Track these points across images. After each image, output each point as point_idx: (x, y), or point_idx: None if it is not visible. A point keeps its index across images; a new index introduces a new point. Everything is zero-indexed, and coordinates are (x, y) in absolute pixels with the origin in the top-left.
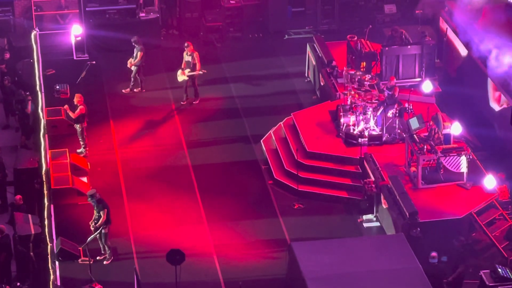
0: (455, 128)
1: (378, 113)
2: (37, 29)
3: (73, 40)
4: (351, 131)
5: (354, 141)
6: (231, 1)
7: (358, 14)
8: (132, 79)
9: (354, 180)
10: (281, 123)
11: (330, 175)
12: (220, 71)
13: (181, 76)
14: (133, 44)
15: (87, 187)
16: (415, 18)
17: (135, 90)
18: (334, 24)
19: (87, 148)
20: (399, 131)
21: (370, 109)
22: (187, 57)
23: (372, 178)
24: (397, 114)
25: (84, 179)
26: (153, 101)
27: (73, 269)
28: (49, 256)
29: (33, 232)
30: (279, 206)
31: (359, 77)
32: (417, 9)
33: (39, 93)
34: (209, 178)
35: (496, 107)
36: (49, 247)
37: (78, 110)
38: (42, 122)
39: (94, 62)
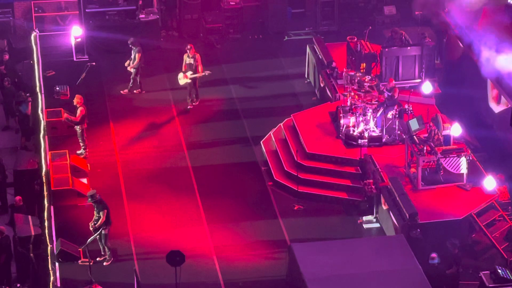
0: (455, 129)
1: (378, 114)
2: (37, 30)
3: (73, 42)
4: (351, 132)
5: (354, 142)
6: (231, 3)
7: (357, 16)
8: (132, 81)
9: (354, 181)
10: (281, 124)
11: (330, 176)
12: (220, 72)
13: (183, 80)
14: (130, 46)
15: (87, 189)
16: (415, 19)
17: (134, 91)
18: (334, 26)
19: (87, 150)
20: (399, 132)
21: (370, 110)
22: (188, 60)
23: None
24: (397, 115)
25: (84, 180)
26: (153, 102)
27: (73, 270)
28: (49, 257)
29: (33, 233)
30: (279, 207)
31: (359, 78)
32: (416, 10)
33: (39, 94)
34: (209, 179)
35: (494, 106)
36: (49, 248)
37: (78, 112)
38: (42, 124)
39: (94, 63)
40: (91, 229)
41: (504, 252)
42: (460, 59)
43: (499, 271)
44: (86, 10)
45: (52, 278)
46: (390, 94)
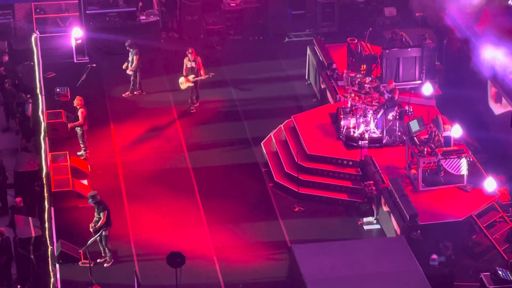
0: (456, 131)
1: (379, 116)
2: (37, 32)
3: (73, 43)
4: (352, 133)
5: (355, 144)
6: (231, 4)
7: (358, 17)
8: (132, 83)
9: (355, 183)
10: (282, 125)
11: (330, 178)
12: (221, 74)
13: (186, 84)
14: (127, 48)
15: (87, 190)
16: (415, 20)
17: (135, 93)
18: (334, 27)
19: (88, 151)
20: (399, 133)
21: (371, 111)
22: (189, 63)
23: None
24: (397, 117)
25: (85, 181)
26: (154, 103)
27: (73, 272)
28: (49, 259)
29: (33, 235)
30: (279, 208)
31: (359, 79)
32: (416, 11)
33: (39, 96)
34: (210, 180)
35: (494, 106)
36: (49, 249)
37: (80, 114)
38: (43, 125)
39: (94, 65)
40: (91, 230)
41: (505, 253)
42: (461, 60)
43: (500, 272)
44: (87, 12)
45: (52, 279)
46: (390, 95)
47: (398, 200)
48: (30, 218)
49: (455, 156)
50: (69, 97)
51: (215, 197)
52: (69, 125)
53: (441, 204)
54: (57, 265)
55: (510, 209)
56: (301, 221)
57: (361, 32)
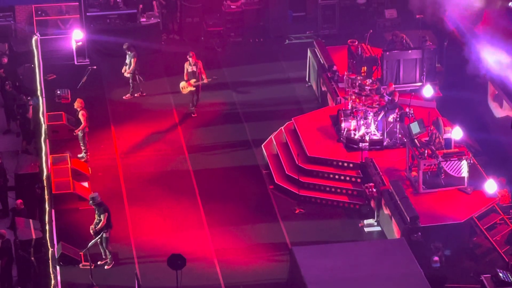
0: (456, 133)
1: (379, 118)
2: (38, 34)
3: (74, 45)
4: (352, 135)
5: (355, 146)
6: (232, 6)
7: (358, 19)
8: (131, 85)
9: (355, 185)
10: (282, 128)
11: (331, 180)
12: (221, 76)
13: (188, 88)
14: (125, 51)
15: (88, 192)
16: (416, 22)
17: (135, 95)
18: (334, 29)
19: (88, 153)
20: (400, 135)
21: (371, 113)
22: (190, 68)
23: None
24: (398, 119)
25: (85, 184)
26: (154, 106)
27: (74, 274)
28: (50, 261)
29: (34, 237)
30: (280, 210)
31: (360, 81)
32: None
33: (40, 98)
34: (210, 183)
35: (493, 106)
36: (50, 252)
37: (81, 116)
38: (43, 127)
39: (95, 67)
40: (92, 232)
41: (505, 255)
42: (461, 62)
43: (500, 274)
44: (87, 14)
45: (53, 281)
46: (390, 98)
47: (398, 202)
48: (30, 220)
49: (456, 158)
50: (70, 99)
51: (216, 199)
52: (75, 131)
53: (442, 206)
54: (58, 267)
55: (510, 211)
56: (301, 223)
57: (361, 34)
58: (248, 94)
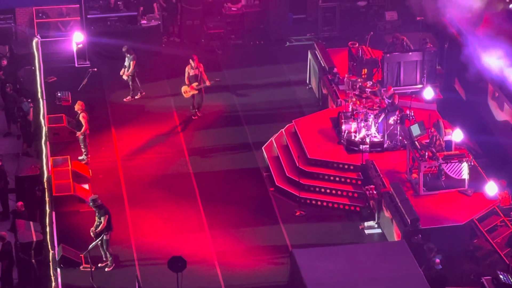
0: (457, 135)
1: (380, 120)
2: (38, 36)
3: (74, 48)
4: (353, 138)
5: (356, 148)
6: (232, 8)
7: (359, 21)
8: (131, 88)
9: (356, 187)
10: (283, 130)
11: (331, 182)
12: (222, 78)
13: (190, 92)
14: (124, 53)
15: (88, 195)
16: (416, 24)
17: (136, 97)
18: (335, 31)
19: (89, 155)
20: (400, 137)
21: (372, 116)
22: (192, 71)
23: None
24: (398, 121)
25: (86, 186)
26: (155, 108)
27: (74, 276)
28: (50, 263)
29: (34, 239)
30: (280, 213)
31: (360, 84)
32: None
33: (40, 100)
34: (211, 185)
35: (493, 107)
36: (50, 254)
37: (82, 118)
38: (44, 129)
39: (95, 69)
40: (92, 235)
41: (506, 257)
42: (462, 64)
43: (501, 276)
44: (88, 16)
45: (53, 284)
46: (390, 101)
47: (399, 204)
48: (31, 222)
49: (456, 160)
50: (70, 101)
51: (216, 201)
52: (77, 134)
53: (442, 208)
54: (58, 270)
55: (511, 213)
56: (302, 225)
57: (362, 36)
58: (249, 96)
